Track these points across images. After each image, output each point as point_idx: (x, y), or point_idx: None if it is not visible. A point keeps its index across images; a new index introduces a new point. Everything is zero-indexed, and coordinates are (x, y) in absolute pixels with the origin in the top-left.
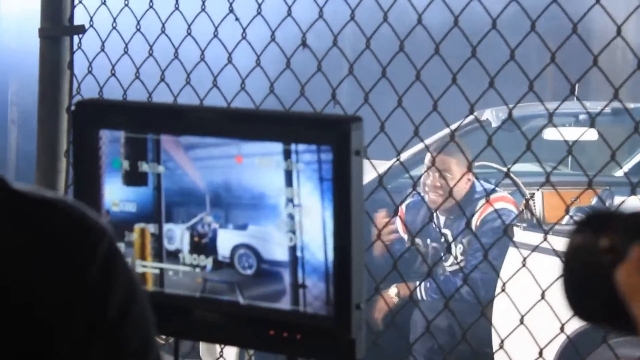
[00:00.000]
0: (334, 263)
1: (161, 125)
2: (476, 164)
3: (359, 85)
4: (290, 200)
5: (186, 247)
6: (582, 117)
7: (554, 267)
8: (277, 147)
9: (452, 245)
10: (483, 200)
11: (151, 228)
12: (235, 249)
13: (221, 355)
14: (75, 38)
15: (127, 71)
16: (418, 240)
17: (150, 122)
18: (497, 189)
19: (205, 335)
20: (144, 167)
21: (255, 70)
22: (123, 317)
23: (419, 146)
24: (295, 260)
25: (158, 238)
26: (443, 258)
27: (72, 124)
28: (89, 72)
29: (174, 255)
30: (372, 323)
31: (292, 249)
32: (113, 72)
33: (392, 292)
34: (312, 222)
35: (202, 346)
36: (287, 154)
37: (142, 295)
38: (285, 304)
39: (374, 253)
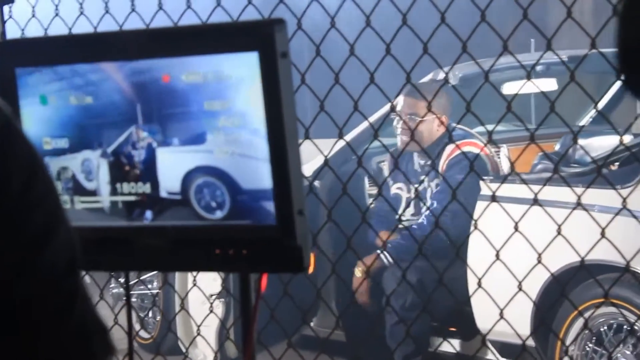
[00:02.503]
0: (272, 171)
1: (83, 55)
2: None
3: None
4: (225, 112)
5: (105, 182)
6: (539, 68)
7: (527, 215)
8: (203, 60)
9: (427, 189)
10: (451, 145)
11: (66, 161)
12: (189, 177)
13: (199, 333)
14: (6, 8)
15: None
16: (402, 186)
17: (71, 53)
18: (471, 135)
19: (150, 264)
20: (71, 99)
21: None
22: (25, 192)
23: (381, 111)
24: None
25: (73, 174)
26: (410, 203)
27: None
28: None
29: (94, 194)
30: (364, 306)
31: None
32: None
33: (358, 273)
34: (249, 133)
35: (180, 330)
36: (214, 66)
37: (45, 172)
38: (229, 219)
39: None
